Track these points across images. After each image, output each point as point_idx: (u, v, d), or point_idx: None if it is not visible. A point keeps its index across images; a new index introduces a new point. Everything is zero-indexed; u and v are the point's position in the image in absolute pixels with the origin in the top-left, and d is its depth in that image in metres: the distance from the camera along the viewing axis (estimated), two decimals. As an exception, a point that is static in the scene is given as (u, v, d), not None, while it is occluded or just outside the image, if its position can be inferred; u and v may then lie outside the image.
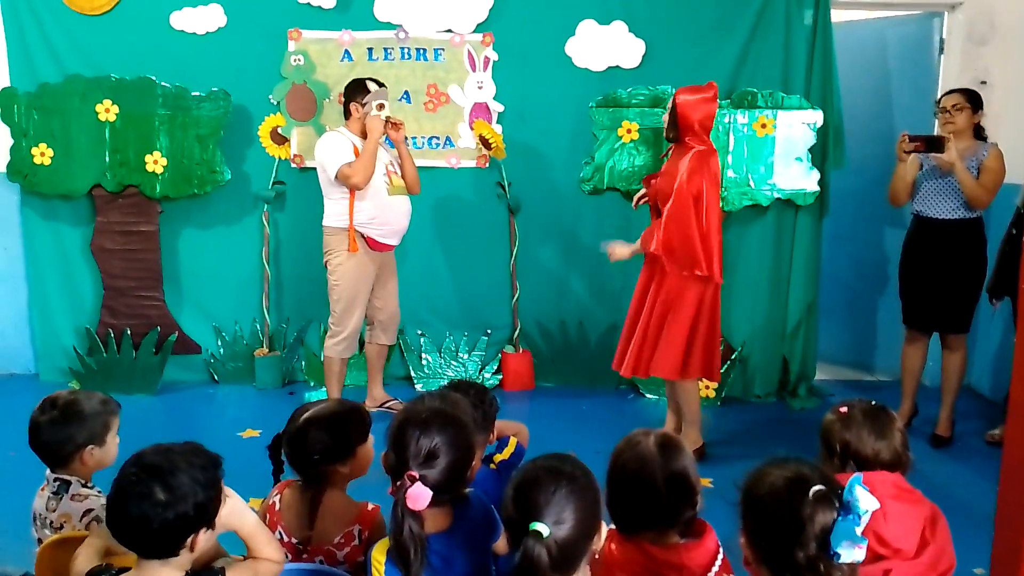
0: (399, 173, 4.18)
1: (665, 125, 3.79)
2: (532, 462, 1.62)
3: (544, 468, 1.56)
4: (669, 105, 3.74)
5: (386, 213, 4.08)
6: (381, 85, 4.10)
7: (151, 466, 1.56)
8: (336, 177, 3.97)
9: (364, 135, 4.04)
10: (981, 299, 4.10)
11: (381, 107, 4.01)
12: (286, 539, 1.97)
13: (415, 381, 4.85)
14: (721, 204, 4.53)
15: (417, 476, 1.64)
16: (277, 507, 2.02)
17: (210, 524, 1.60)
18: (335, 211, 4.09)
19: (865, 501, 1.41)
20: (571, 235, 4.83)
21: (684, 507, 1.72)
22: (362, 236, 4.07)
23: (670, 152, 3.83)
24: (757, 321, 4.76)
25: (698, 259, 3.58)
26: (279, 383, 4.80)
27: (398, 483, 1.64)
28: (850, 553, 1.41)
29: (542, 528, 1.46)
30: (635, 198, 3.99)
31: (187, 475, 1.56)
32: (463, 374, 4.84)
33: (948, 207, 3.99)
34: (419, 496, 1.61)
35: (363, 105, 4.03)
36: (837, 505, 1.44)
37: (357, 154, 3.99)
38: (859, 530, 1.40)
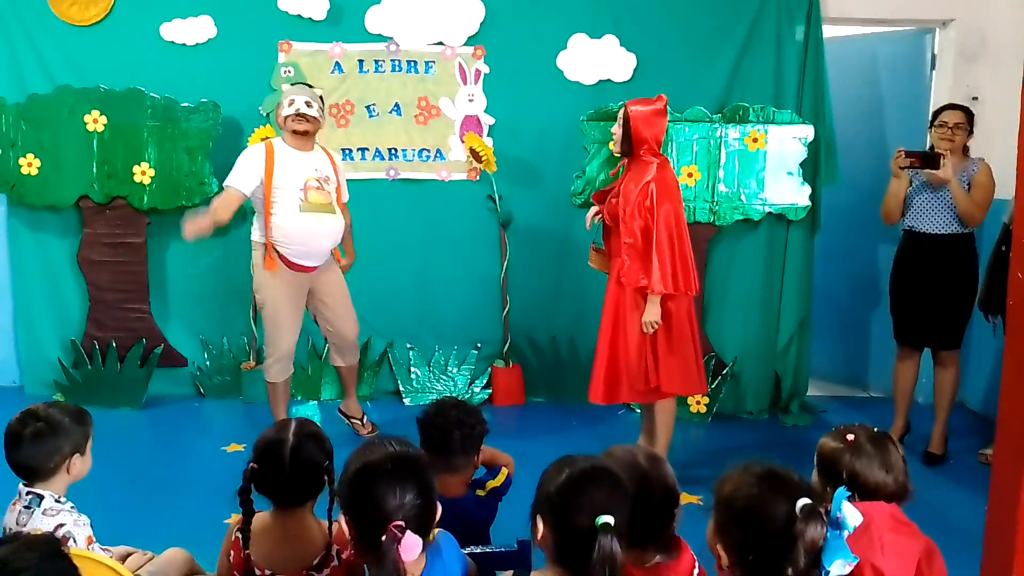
0: (323, 188, 3.83)
1: (617, 139, 3.57)
2: (577, 464, 1.60)
3: (598, 468, 1.59)
4: (620, 118, 3.53)
5: (297, 232, 3.75)
6: (303, 85, 3.94)
7: None
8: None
9: (293, 142, 3.82)
10: (974, 315, 4.08)
11: (291, 103, 3.76)
12: (258, 573, 1.89)
13: (404, 396, 4.80)
14: (712, 219, 4.56)
15: (404, 526, 1.52)
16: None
17: None
18: (256, 225, 3.89)
19: (852, 517, 1.38)
20: (562, 249, 4.80)
21: (670, 522, 1.70)
22: (279, 254, 3.80)
23: (622, 168, 3.66)
24: (749, 337, 4.74)
25: (679, 280, 3.44)
26: (265, 397, 4.73)
27: (383, 538, 1.51)
28: (841, 569, 1.39)
29: (609, 519, 1.46)
30: (588, 217, 3.77)
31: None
32: (452, 389, 4.80)
33: (940, 222, 3.97)
34: (414, 546, 1.51)
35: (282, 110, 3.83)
36: (824, 519, 1.41)
37: (271, 160, 3.74)
38: (847, 544, 1.38)
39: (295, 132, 3.81)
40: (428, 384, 4.82)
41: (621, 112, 3.54)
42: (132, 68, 4.56)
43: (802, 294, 4.72)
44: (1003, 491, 1.60)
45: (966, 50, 4.73)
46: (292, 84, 3.98)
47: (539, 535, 1.57)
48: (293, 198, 3.76)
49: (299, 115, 3.77)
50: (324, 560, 1.91)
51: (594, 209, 3.77)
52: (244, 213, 4.69)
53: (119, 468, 3.79)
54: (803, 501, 1.41)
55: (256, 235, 3.92)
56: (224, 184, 3.86)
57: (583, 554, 1.46)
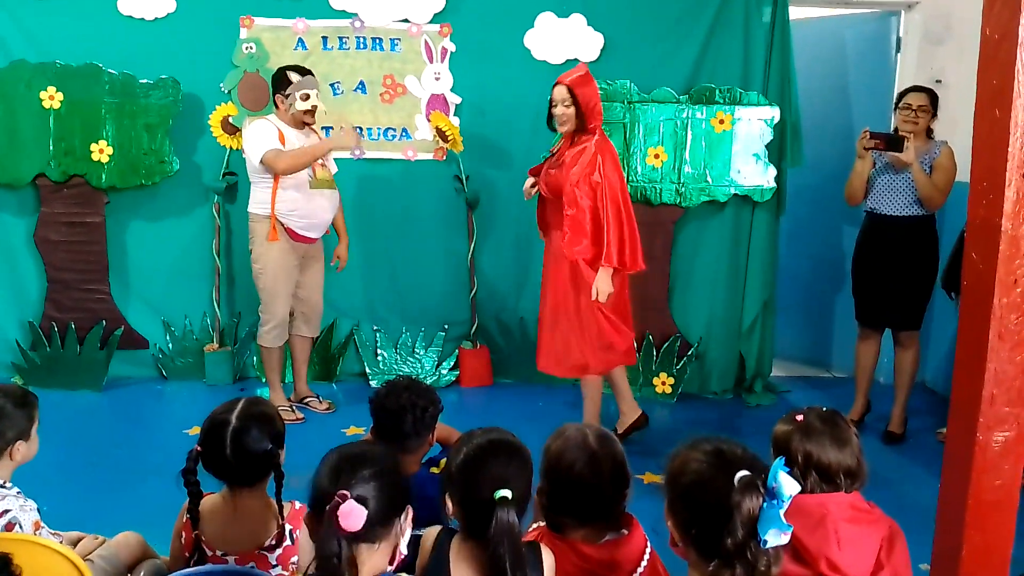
0: (326, 166, 4.11)
1: (569, 118, 3.58)
2: (474, 440, 1.69)
3: (494, 442, 1.69)
4: (567, 98, 3.55)
5: (307, 206, 4.00)
6: (307, 73, 4.01)
7: None
8: (262, 162, 3.92)
9: (295, 124, 4.01)
10: (934, 296, 4.13)
11: (306, 97, 3.94)
12: (209, 554, 1.87)
13: (370, 378, 4.77)
14: (678, 200, 4.57)
15: (348, 494, 1.43)
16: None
17: None
18: (259, 198, 4.04)
19: (788, 487, 1.39)
20: (530, 230, 4.74)
21: (622, 500, 1.70)
22: (284, 226, 4.00)
23: (560, 142, 3.74)
24: (714, 318, 4.77)
25: (626, 256, 3.54)
26: (230, 379, 4.69)
27: (327, 507, 1.42)
28: (776, 539, 1.39)
29: (507, 493, 1.53)
30: (527, 188, 3.86)
31: None
32: (419, 370, 4.78)
33: (901, 204, 4.01)
34: (351, 513, 1.40)
35: (286, 97, 3.96)
36: (762, 491, 1.41)
37: (283, 140, 3.92)
38: (783, 514, 1.39)
39: (304, 122, 4.03)
40: (395, 366, 4.79)
41: (560, 90, 3.57)
42: (89, 43, 4.45)
43: (767, 275, 4.75)
44: (955, 468, 1.62)
45: (931, 33, 4.77)
46: (300, 73, 3.99)
47: (451, 511, 1.65)
48: (302, 175, 3.96)
49: (313, 109, 3.99)
50: (278, 540, 1.89)
51: (531, 180, 3.85)
52: (206, 192, 4.64)
53: (79, 451, 3.74)
54: (741, 473, 1.42)
55: (257, 208, 4.05)
56: (265, 157, 3.88)
57: (487, 525, 1.54)
